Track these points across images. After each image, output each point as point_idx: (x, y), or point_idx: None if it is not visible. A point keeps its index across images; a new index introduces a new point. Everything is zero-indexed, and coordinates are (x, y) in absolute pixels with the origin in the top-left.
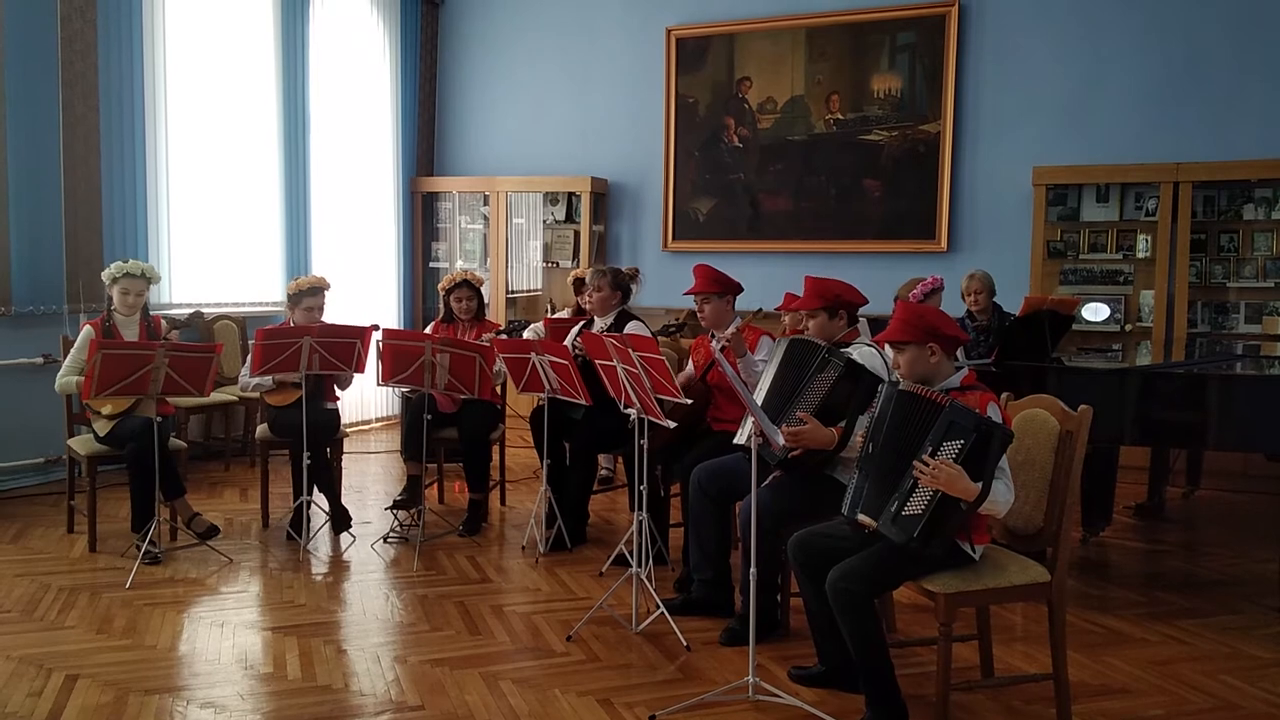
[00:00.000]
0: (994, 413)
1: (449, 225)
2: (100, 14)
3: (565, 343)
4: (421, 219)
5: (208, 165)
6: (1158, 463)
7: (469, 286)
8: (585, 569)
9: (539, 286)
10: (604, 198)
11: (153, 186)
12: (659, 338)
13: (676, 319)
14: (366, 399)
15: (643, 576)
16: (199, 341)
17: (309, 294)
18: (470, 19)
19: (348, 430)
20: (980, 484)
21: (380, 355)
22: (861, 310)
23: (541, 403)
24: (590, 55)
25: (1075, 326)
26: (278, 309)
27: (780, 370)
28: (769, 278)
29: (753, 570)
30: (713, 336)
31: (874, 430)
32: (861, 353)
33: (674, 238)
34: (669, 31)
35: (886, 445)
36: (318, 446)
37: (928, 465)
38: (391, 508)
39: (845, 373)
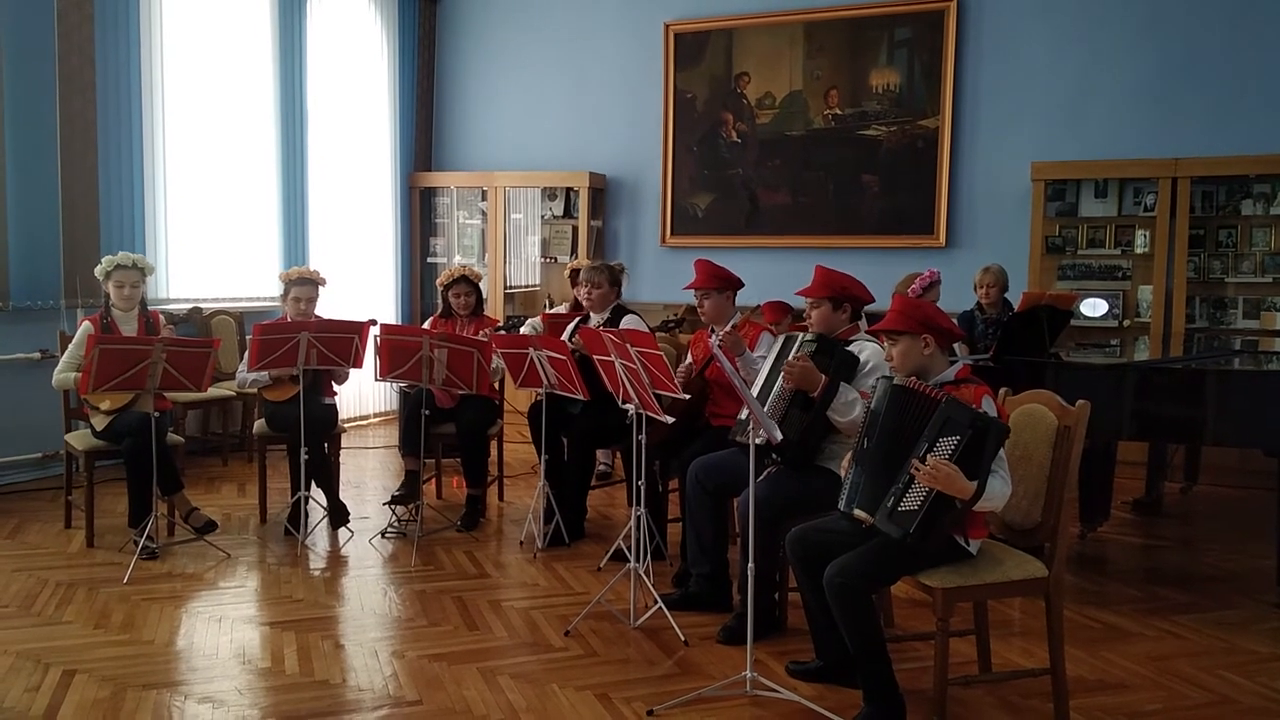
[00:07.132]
0: (988, 407)
1: (447, 220)
2: (97, 8)
3: (563, 338)
4: (419, 214)
5: (205, 160)
6: (1156, 458)
7: (467, 282)
8: (583, 564)
9: (537, 282)
10: (602, 193)
11: (150, 181)
12: (657, 333)
13: (675, 314)
14: (364, 394)
15: (641, 572)
16: (197, 337)
17: (296, 284)
18: (468, 14)
19: (345, 425)
20: (976, 482)
21: (378, 350)
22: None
23: (539, 398)
24: (588, 50)
25: (1073, 322)
26: (275, 304)
27: (773, 367)
28: (767, 273)
29: (750, 565)
30: (712, 331)
31: (869, 425)
32: (866, 349)
33: (672, 233)
34: (667, 26)
35: (882, 440)
36: (315, 442)
37: (924, 464)
38: (389, 503)
39: (819, 349)
